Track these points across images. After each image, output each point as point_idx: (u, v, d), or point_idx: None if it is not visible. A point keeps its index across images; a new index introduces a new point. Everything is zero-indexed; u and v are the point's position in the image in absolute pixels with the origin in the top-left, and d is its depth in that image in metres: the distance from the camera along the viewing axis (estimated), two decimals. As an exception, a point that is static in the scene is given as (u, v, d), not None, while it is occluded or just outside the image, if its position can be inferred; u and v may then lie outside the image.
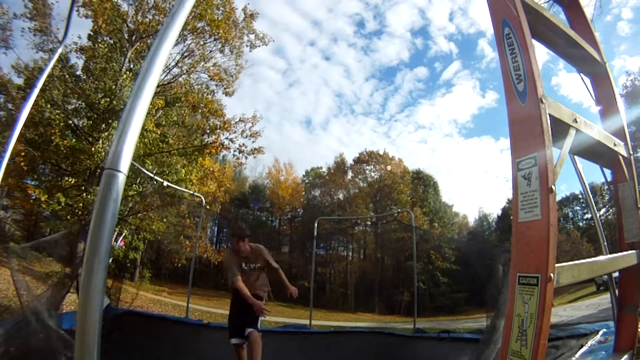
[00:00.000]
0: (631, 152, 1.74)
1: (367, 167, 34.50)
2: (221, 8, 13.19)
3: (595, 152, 1.65)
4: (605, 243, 1.70)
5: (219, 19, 12.95)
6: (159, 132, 11.93)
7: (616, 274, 1.70)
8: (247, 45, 14.21)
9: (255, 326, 3.06)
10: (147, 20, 12.56)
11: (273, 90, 54.46)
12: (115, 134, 1.11)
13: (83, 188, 10.96)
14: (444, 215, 33.66)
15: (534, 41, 1.30)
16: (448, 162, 52.95)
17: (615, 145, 1.63)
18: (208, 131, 14.08)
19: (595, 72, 1.87)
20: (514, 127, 1.22)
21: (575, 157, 1.63)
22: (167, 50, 1.21)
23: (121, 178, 1.06)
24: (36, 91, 4.49)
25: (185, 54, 13.44)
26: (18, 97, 12.95)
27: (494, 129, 48.22)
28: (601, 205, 24.05)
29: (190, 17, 12.54)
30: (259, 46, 14.36)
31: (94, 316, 0.97)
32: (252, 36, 14.15)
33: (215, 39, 13.35)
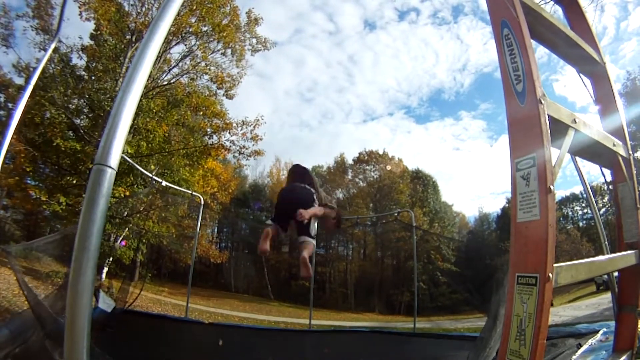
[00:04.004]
0: (630, 153, 1.74)
1: (367, 167, 34.53)
2: (222, 8, 13.20)
3: (595, 152, 1.65)
4: (606, 242, 1.70)
5: (224, 23, 12.98)
6: (161, 133, 11.96)
7: (615, 274, 1.70)
8: (249, 49, 14.25)
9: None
10: (149, 20, 12.58)
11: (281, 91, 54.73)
12: (105, 129, 1.09)
13: (84, 188, 10.98)
14: (444, 215, 33.65)
15: (533, 42, 1.30)
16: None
17: (614, 145, 1.63)
18: (210, 132, 14.14)
19: (595, 72, 1.87)
20: (513, 127, 1.23)
21: (576, 157, 1.64)
22: (157, 44, 1.19)
23: (111, 173, 1.04)
24: (31, 87, 4.45)
25: (186, 54, 13.44)
26: (18, 97, 12.96)
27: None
28: (601, 205, 24.05)
29: (194, 19, 12.57)
30: (261, 50, 14.41)
31: (82, 315, 0.95)
32: (254, 40, 14.21)
33: (218, 42, 13.39)
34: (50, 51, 5.25)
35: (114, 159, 1.05)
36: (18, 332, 3.25)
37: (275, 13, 50.45)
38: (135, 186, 12.02)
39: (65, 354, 0.94)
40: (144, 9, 12.89)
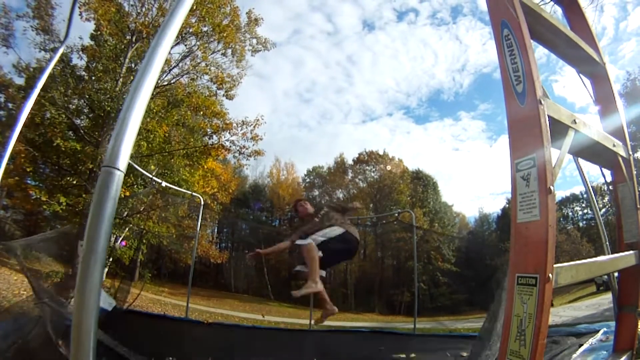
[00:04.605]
0: (630, 153, 1.74)
1: (367, 167, 34.54)
2: (222, 9, 13.19)
3: (595, 153, 1.65)
4: (607, 243, 1.70)
5: (225, 23, 12.98)
6: (161, 133, 11.96)
7: (616, 274, 1.70)
8: (249, 50, 14.25)
9: None
10: (149, 20, 12.58)
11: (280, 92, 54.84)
12: (113, 132, 1.09)
13: (84, 188, 10.99)
14: (444, 215, 33.65)
15: (533, 42, 1.30)
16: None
17: (614, 145, 1.63)
18: (210, 132, 14.14)
19: (595, 72, 1.87)
20: (513, 128, 1.23)
21: (577, 157, 1.64)
22: (166, 48, 1.20)
23: (119, 176, 1.04)
24: (36, 91, 4.46)
25: (187, 54, 13.44)
26: (19, 96, 12.97)
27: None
28: (601, 205, 24.04)
29: (195, 20, 12.57)
30: (261, 50, 14.41)
31: (90, 316, 0.95)
32: (254, 41, 14.21)
33: (218, 42, 13.39)
34: (57, 56, 5.24)
35: (123, 162, 1.06)
36: (15, 328, 3.26)
37: (273, 14, 50.51)
38: (135, 186, 12.03)
39: (71, 354, 0.95)
40: (144, 9, 12.89)
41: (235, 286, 27.91)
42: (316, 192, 36.43)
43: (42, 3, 11.99)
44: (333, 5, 53.76)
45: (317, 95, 56.63)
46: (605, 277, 1.74)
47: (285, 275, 31.19)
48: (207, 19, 12.68)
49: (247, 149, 13.80)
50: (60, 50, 5.13)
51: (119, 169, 1.05)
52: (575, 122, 1.35)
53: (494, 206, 54.42)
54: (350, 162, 35.23)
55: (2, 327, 3.27)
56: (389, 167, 33.60)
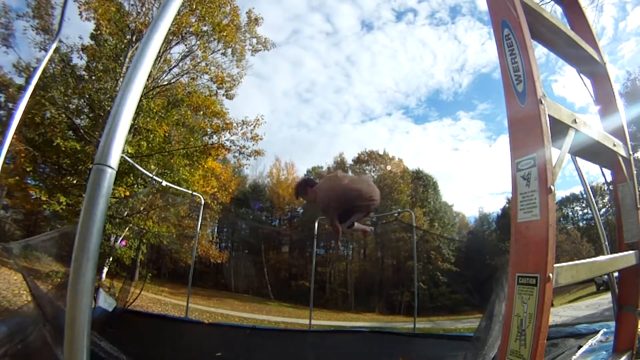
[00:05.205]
0: (631, 153, 1.74)
1: (367, 167, 34.53)
2: (222, 8, 13.20)
3: (595, 153, 1.65)
4: (607, 242, 1.70)
5: (225, 23, 12.99)
6: (162, 133, 11.97)
7: (616, 274, 1.70)
8: (249, 49, 14.27)
9: None
10: (149, 19, 12.58)
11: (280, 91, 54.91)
12: (104, 129, 1.08)
13: (84, 188, 11.00)
14: (444, 215, 33.65)
15: (533, 42, 1.30)
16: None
17: (614, 145, 1.63)
18: (210, 132, 14.16)
19: (595, 72, 1.87)
20: (513, 127, 1.22)
21: (576, 157, 1.64)
22: (157, 44, 1.19)
23: (111, 173, 1.03)
24: (31, 87, 4.44)
25: (187, 54, 13.44)
26: (19, 96, 13.00)
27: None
28: (601, 205, 24.05)
29: (195, 19, 12.58)
30: (261, 50, 14.42)
31: (82, 316, 0.94)
32: (254, 40, 14.23)
33: (218, 42, 13.40)
34: (51, 51, 5.23)
35: (114, 159, 1.05)
36: (16, 330, 3.25)
37: (273, 14, 50.65)
38: (135, 186, 12.03)
39: (65, 354, 0.94)
40: (144, 9, 12.89)
41: (235, 286, 27.93)
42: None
43: (42, 3, 12.00)
44: (332, 5, 54.04)
45: (317, 95, 56.82)
46: (605, 277, 1.73)
47: (286, 275, 31.23)
48: (207, 18, 12.69)
49: (247, 148, 13.84)
50: (54, 45, 5.10)
51: (110, 167, 1.03)
52: (576, 122, 1.35)
53: (494, 206, 54.57)
54: (350, 161, 35.28)
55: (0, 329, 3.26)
56: (389, 167, 33.61)
